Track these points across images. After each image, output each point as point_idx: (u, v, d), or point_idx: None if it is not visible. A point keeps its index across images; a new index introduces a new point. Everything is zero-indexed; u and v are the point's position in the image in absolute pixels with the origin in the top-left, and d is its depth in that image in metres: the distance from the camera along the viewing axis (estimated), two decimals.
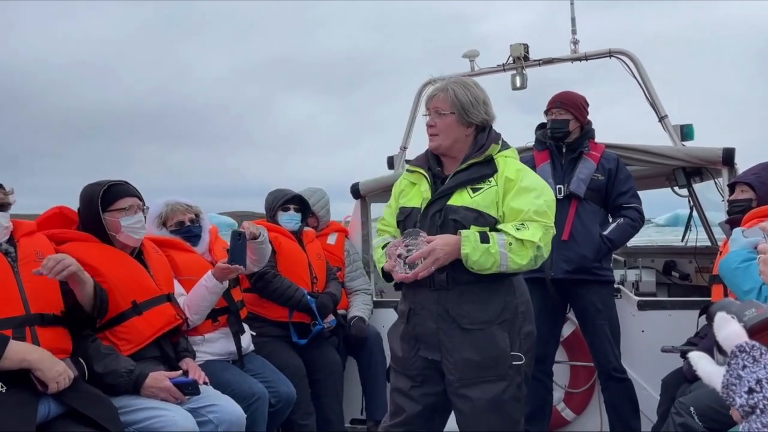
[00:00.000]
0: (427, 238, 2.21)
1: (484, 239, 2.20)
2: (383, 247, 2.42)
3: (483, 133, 2.39)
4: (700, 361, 0.86)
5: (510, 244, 2.20)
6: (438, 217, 2.30)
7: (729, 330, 0.84)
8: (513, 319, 2.31)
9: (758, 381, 0.76)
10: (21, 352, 2.09)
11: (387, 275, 2.38)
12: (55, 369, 2.15)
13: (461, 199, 2.30)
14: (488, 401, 2.25)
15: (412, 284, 2.31)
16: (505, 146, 2.43)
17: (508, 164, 2.36)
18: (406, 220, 2.38)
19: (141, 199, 2.74)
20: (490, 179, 2.32)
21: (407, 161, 2.54)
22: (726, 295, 2.82)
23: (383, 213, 2.58)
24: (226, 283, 2.98)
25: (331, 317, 3.70)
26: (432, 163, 2.43)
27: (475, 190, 2.30)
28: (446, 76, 2.56)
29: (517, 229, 2.23)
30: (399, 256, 2.22)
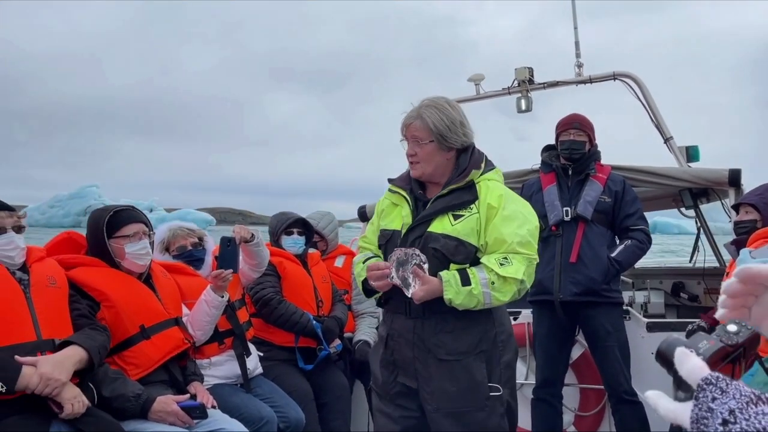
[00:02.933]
0: (416, 270, 2.16)
1: (465, 281, 2.16)
2: (364, 262, 2.40)
3: (465, 155, 2.35)
4: (659, 399, 0.84)
5: (492, 282, 2.17)
6: (418, 243, 2.26)
7: (691, 364, 0.83)
8: (492, 350, 2.28)
9: (731, 411, 0.74)
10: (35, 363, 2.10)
11: (367, 290, 2.41)
12: (72, 392, 2.16)
13: (442, 226, 2.26)
14: (466, 430, 2.22)
15: (390, 309, 2.34)
16: (489, 166, 2.37)
17: (491, 189, 2.29)
18: (388, 243, 2.35)
19: (148, 224, 2.76)
20: (471, 206, 2.27)
21: (389, 180, 2.50)
22: None
23: (366, 230, 2.55)
24: (226, 297, 2.96)
25: (337, 341, 3.67)
26: (414, 185, 2.39)
27: (456, 217, 2.26)
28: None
29: (501, 264, 2.18)
30: (396, 263, 2.20)
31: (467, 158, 2.34)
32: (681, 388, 0.84)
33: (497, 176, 2.39)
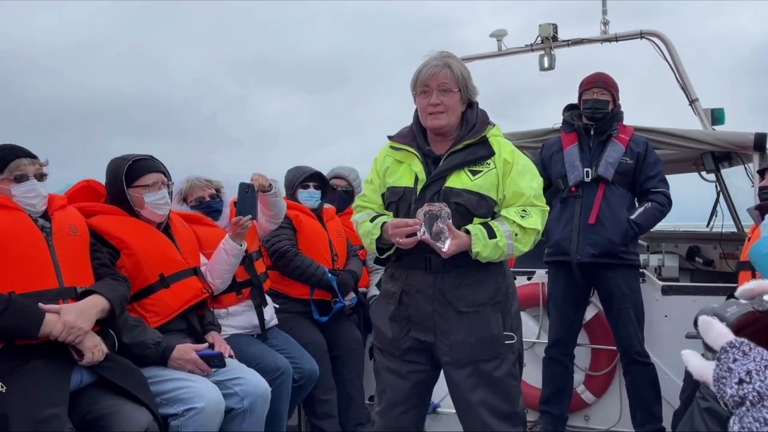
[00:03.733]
0: (448, 224, 2.15)
1: (491, 234, 2.20)
2: (372, 221, 2.36)
3: (471, 111, 2.35)
4: (690, 357, 0.88)
5: (516, 234, 2.23)
6: (437, 198, 2.24)
7: (715, 332, 0.86)
8: (505, 300, 2.33)
9: (748, 372, 0.77)
10: (59, 310, 2.12)
11: (380, 249, 2.36)
12: (93, 340, 2.18)
13: (460, 181, 2.26)
14: (482, 378, 2.26)
15: (404, 266, 2.32)
16: (491, 124, 2.38)
17: (502, 145, 2.33)
18: (400, 201, 2.31)
19: (166, 174, 2.75)
20: (488, 161, 2.28)
21: (389, 137, 2.44)
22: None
23: (363, 189, 2.50)
24: (244, 246, 2.98)
25: (351, 295, 3.70)
26: (421, 141, 2.35)
27: (474, 173, 2.26)
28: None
29: (522, 216, 2.25)
30: (427, 219, 2.15)
31: (474, 114, 2.35)
32: (709, 350, 0.86)
33: (500, 132, 2.41)
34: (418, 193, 2.28)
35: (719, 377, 0.80)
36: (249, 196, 2.95)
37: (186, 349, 2.48)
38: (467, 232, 2.19)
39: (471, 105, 2.36)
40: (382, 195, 2.41)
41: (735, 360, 0.79)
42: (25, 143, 2.33)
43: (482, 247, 2.18)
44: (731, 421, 0.76)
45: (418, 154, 2.32)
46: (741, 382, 0.76)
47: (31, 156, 2.31)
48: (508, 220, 2.24)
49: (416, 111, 2.42)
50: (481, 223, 2.24)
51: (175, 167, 3.17)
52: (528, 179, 2.30)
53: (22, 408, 1.92)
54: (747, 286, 0.92)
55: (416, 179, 2.30)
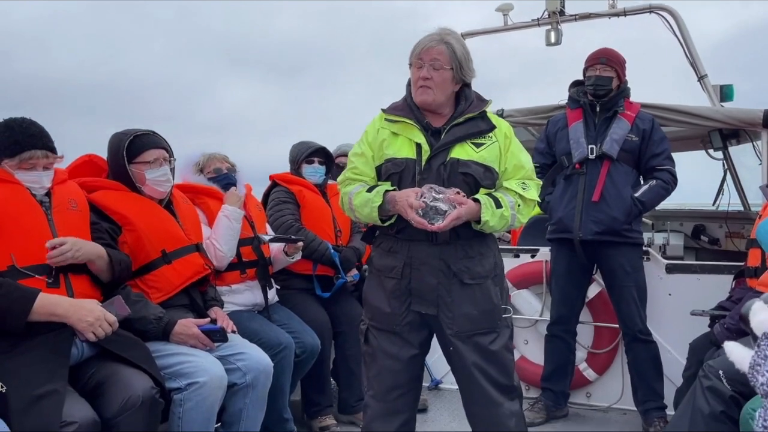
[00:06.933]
0: (452, 196, 2.17)
1: (497, 204, 2.24)
2: (368, 191, 2.30)
3: (469, 89, 2.39)
4: (734, 348, 0.91)
5: (518, 205, 2.29)
6: (443, 170, 2.24)
7: (762, 317, 0.86)
8: (501, 275, 2.39)
9: None
10: (48, 305, 2.06)
11: (381, 219, 2.32)
12: (86, 319, 2.10)
13: (465, 152, 2.27)
14: (482, 351, 2.28)
15: (407, 239, 2.30)
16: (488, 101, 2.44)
17: (499, 121, 2.40)
18: (403, 172, 2.28)
19: (168, 150, 2.74)
20: (490, 135, 2.32)
21: (383, 110, 2.40)
22: (764, 258, 2.77)
23: (354, 162, 2.40)
24: (242, 211, 3.05)
25: (354, 271, 3.69)
26: (417, 113, 2.34)
27: (477, 145, 2.29)
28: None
29: (523, 188, 2.31)
30: (426, 205, 2.16)
31: (471, 92, 2.39)
32: (754, 339, 0.88)
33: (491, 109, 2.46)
34: (423, 163, 2.26)
35: (754, 364, 0.82)
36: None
37: (188, 324, 2.48)
38: (475, 200, 2.22)
39: (467, 85, 2.39)
40: (378, 168, 2.37)
41: None
42: None
43: (490, 215, 2.22)
44: (757, 414, 0.75)
45: (417, 126, 2.31)
46: None
47: (48, 147, 2.26)
48: (510, 191, 2.30)
49: (409, 83, 2.41)
50: (486, 194, 2.26)
51: None
52: (524, 153, 2.39)
53: (20, 385, 1.92)
54: None
55: (419, 150, 2.28)
